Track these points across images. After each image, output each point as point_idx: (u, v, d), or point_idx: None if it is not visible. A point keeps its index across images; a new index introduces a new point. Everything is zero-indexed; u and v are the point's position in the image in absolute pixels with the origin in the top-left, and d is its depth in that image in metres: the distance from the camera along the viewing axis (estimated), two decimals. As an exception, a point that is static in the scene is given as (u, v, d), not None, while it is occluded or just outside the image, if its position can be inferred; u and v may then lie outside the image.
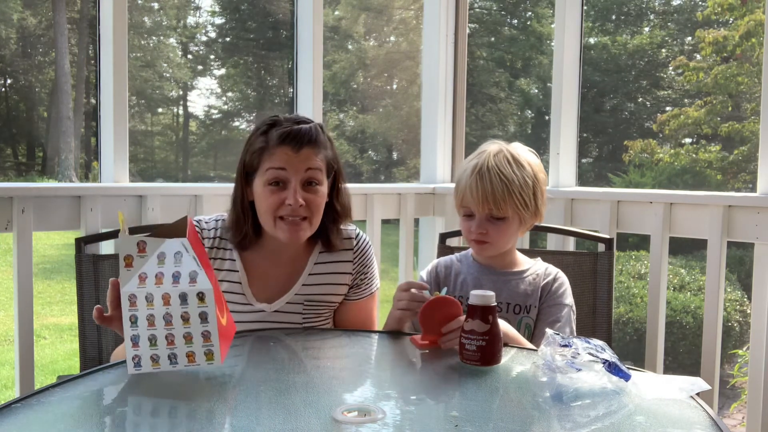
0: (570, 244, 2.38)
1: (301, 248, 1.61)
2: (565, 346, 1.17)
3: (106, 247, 1.98)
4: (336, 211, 1.60)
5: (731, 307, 5.69)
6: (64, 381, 1.14)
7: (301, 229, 1.51)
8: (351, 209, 1.64)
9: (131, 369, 1.14)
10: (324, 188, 1.54)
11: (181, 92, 17.50)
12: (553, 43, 2.78)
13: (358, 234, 1.66)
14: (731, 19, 10.13)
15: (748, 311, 5.51)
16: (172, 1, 16.90)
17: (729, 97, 10.55)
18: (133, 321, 1.12)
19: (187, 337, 1.13)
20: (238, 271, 1.57)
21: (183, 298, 1.12)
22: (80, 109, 14.80)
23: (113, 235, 1.93)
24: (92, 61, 14.97)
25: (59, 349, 6.22)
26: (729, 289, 5.90)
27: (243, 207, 1.55)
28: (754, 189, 2.08)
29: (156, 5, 16.84)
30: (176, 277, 1.12)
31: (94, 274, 1.77)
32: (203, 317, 1.13)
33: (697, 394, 1.13)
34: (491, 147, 1.59)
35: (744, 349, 4.49)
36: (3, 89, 15.77)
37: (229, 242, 1.58)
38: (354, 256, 1.63)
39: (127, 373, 1.16)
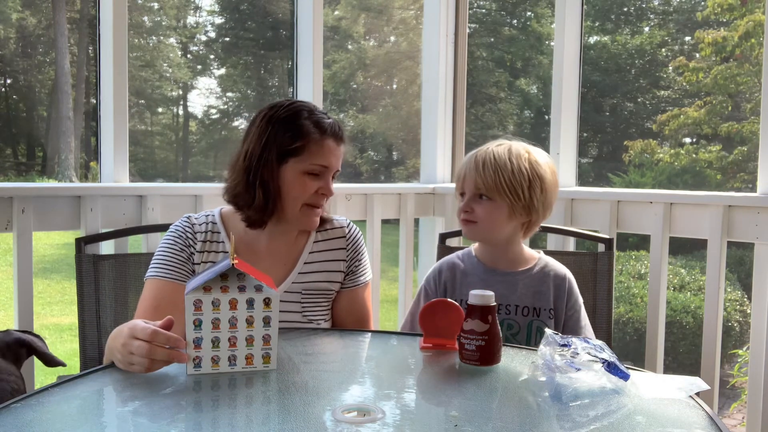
0: (570, 244, 2.38)
1: (296, 237, 1.64)
2: (565, 345, 1.17)
3: (106, 247, 1.98)
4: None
5: (731, 307, 5.69)
6: (64, 381, 1.15)
7: (318, 217, 1.60)
8: None
9: (191, 370, 1.16)
10: None
11: (180, 92, 17.51)
12: (552, 43, 2.78)
13: (349, 223, 1.73)
14: (731, 20, 10.12)
15: (748, 311, 5.51)
16: (172, 1, 16.89)
17: (729, 97, 10.55)
18: (197, 324, 1.15)
19: (248, 340, 1.18)
20: None
21: (250, 303, 1.17)
22: (80, 109, 14.80)
23: (113, 235, 1.94)
24: (92, 61, 14.96)
25: (59, 349, 6.22)
26: (729, 289, 5.91)
27: (274, 189, 1.53)
28: (754, 189, 2.08)
29: (156, 5, 16.83)
30: (242, 288, 1.17)
31: (94, 274, 1.77)
32: (266, 321, 1.19)
33: (697, 393, 1.13)
34: (498, 141, 1.64)
35: (744, 349, 4.49)
36: (3, 89, 15.77)
37: (241, 220, 1.57)
38: (347, 243, 1.68)
39: (133, 373, 1.16)
